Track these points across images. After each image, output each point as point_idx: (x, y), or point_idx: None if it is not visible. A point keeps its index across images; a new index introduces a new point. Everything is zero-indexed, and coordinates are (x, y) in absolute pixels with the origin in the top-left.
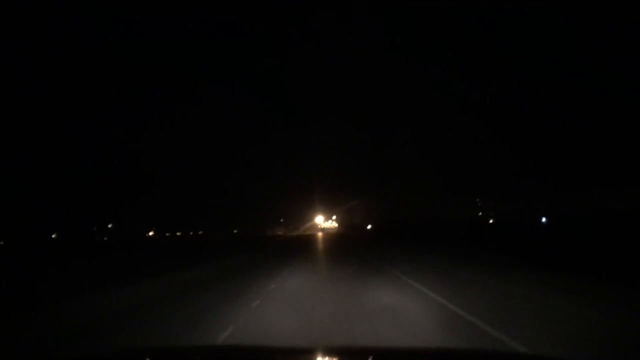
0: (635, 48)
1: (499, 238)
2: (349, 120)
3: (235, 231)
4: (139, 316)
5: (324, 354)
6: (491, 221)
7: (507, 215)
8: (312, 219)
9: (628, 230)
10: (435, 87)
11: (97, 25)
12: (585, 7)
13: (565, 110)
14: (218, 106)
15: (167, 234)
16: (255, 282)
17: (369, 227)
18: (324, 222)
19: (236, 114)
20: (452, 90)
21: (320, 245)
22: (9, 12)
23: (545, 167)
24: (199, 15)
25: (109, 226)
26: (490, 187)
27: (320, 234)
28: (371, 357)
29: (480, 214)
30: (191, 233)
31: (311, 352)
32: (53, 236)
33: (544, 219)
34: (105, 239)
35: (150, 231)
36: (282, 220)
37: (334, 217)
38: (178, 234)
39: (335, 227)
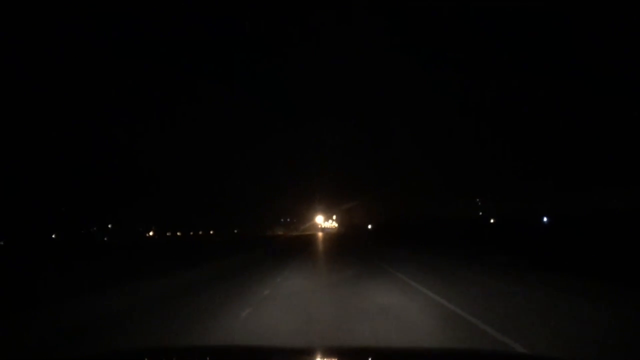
0: (635, 48)
1: (499, 238)
2: (349, 120)
3: (235, 231)
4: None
5: (324, 354)
6: (492, 221)
7: (508, 215)
8: (312, 218)
9: (628, 230)
10: (435, 87)
11: (97, 25)
12: (585, 7)
13: (565, 110)
14: (218, 106)
15: (167, 234)
16: (251, 285)
17: (369, 227)
18: (324, 222)
19: (236, 114)
20: (452, 90)
21: (319, 246)
22: (8, 12)
23: (546, 167)
24: (199, 15)
25: (109, 226)
26: (490, 187)
27: (320, 234)
28: (371, 357)
29: (481, 213)
30: (191, 233)
31: (311, 352)
32: (53, 236)
33: (545, 219)
34: (105, 239)
35: (150, 231)
36: (282, 220)
37: (334, 217)
38: (178, 234)
39: (335, 227)
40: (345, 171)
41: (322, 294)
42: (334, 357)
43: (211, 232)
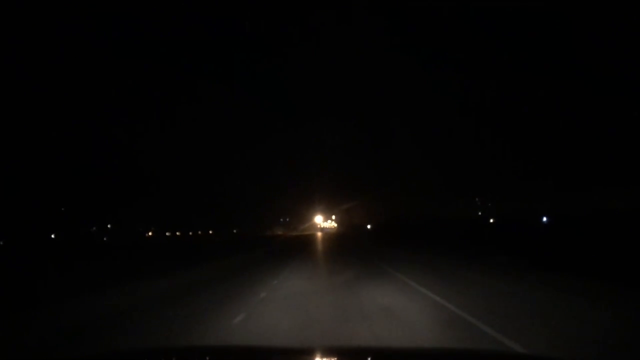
0: (635, 48)
1: (499, 238)
2: (349, 120)
3: (234, 231)
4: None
5: (324, 354)
6: (491, 221)
7: (508, 215)
8: (311, 218)
9: (628, 230)
10: (435, 87)
11: (97, 25)
12: (585, 7)
13: (565, 110)
14: (218, 106)
15: (166, 234)
16: (251, 286)
17: (368, 227)
18: (323, 222)
19: (236, 114)
20: (452, 90)
21: (319, 246)
22: (8, 12)
23: (545, 167)
24: (199, 15)
25: (109, 226)
26: (490, 187)
27: (319, 234)
28: (371, 357)
29: (480, 213)
30: (191, 233)
31: (311, 352)
32: (52, 236)
33: (544, 219)
34: (105, 239)
35: (149, 231)
36: (281, 220)
37: (333, 217)
38: (178, 234)
39: (335, 227)
40: (345, 171)
41: (322, 294)
42: (334, 357)
43: (210, 232)
